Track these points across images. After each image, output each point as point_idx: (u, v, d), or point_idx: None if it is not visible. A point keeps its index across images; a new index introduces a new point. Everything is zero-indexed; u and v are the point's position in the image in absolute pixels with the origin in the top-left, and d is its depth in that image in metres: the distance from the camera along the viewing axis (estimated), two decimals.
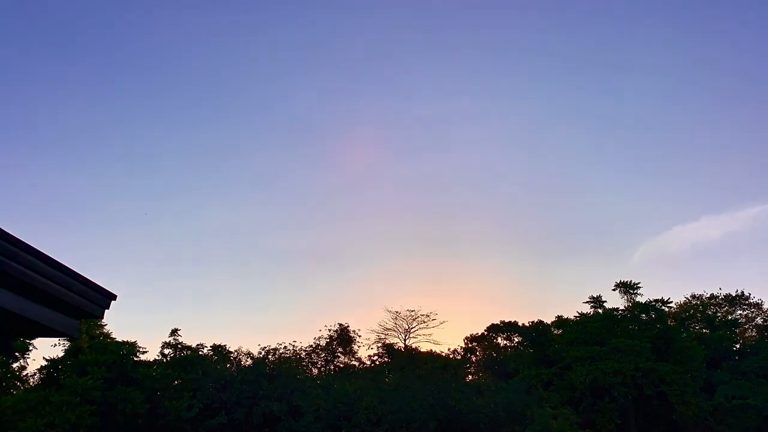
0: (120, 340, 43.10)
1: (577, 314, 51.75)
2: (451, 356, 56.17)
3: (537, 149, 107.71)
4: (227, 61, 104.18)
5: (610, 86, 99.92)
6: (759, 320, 46.75)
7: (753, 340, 45.65)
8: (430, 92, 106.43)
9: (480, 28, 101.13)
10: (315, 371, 52.76)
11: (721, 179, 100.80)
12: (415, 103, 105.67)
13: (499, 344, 69.36)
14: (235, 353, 47.22)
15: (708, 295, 47.75)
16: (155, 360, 44.60)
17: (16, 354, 38.77)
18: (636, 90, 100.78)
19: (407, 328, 63.41)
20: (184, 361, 42.00)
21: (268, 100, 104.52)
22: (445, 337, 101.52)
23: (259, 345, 58.00)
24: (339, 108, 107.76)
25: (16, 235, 4.28)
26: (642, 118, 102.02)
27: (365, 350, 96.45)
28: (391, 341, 62.11)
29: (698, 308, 47.75)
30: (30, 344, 40.19)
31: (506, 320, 73.00)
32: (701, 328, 47.04)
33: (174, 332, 49.95)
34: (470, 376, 52.86)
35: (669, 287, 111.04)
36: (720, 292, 47.54)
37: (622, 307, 50.46)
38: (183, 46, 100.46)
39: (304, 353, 54.13)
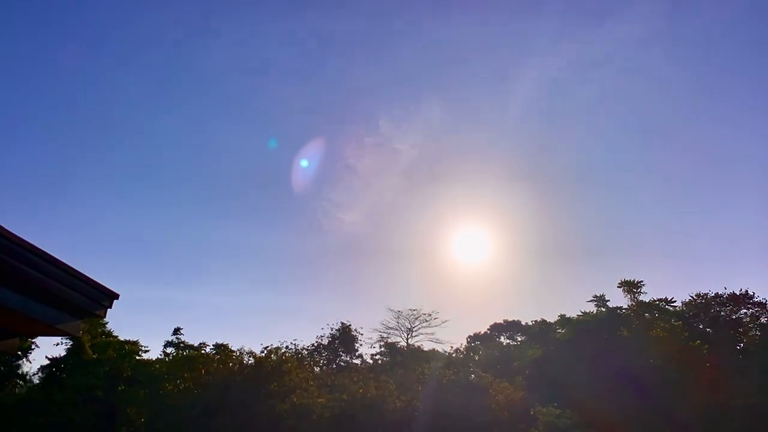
0: (122, 339, 43.15)
1: (581, 313, 51.62)
2: (453, 355, 56.14)
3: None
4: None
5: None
6: (763, 319, 46.55)
7: (757, 340, 45.48)
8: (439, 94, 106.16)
9: None
10: (317, 370, 52.78)
11: None
12: (421, 103, 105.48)
13: (501, 343, 69.46)
14: (238, 352, 47.30)
15: (712, 294, 47.62)
16: (158, 359, 44.65)
17: (19, 352, 38.82)
18: None
19: (409, 327, 63.46)
20: (186, 360, 42.00)
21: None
22: (448, 336, 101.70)
23: (261, 344, 58.05)
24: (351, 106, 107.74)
25: (17, 234, 4.20)
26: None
27: (367, 349, 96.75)
28: (394, 340, 62.21)
29: (702, 307, 47.59)
30: (32, 343, 40.24)
31: (509, 319, 73.21)
32: (705, 328, 46.93)
33: (176, 331, 50.06)
34: (473, 375, 52.83)
35: (672, 287, 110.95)
36: (725, 291, 47.41)
37: (625, 306, 50.36)
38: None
39: (306, 352, 54.13)
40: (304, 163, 78.01)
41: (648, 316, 47.29)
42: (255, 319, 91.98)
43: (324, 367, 55.19)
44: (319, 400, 36.55)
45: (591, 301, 53.54)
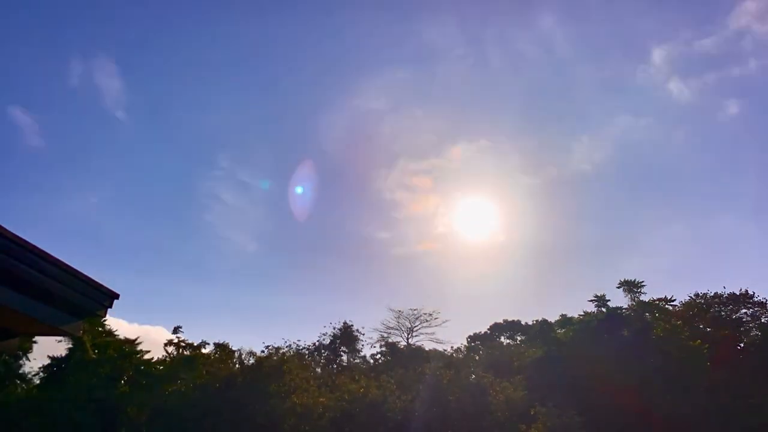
0: (123, 339, 43.12)
1: (581, 313, 51.61)
2: (453, 355, 56.13)
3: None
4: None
5: None
6: (763, 319, 46.49)
7: (757, 339, 45.41)
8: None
9: None
10: (318, 370, 52.76)
11: None
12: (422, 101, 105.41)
13: (501, 343, 69.39)
14: (238, 352, 47.22)
15: (712, 294, 47.60)
16: (158, 359, 44.61)
17: (19, 352, 38.85)
18: None
19: (410, 326, 63.47)
20: (187, 359, 41.97)
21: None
22: (448, 335, 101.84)
23: (262, 343, 58.21)
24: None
25: (18, 234, 4.22)
26: None
27: (368, 349, 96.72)
28: (394, 340, 62.25)
29: (702, 307, 47.53)
30: (32, 343, 40.21)
31: (509, 319, 73.19)
32: (705, 327, 46.86)
33: (177, 330, 49.97)
34: (473, 375, 52.81)
35: (673, 287, 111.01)
36: (724, 291, 47.40)
37: (625, 306, 50.30)
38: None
39: (307, 352, 54.17)
40: (298, 190, 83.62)
41: (648, 316, 47.24)
42: (256, 319, 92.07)
43: (325, 367, 55.22)
44: (320, 400, 36.55)
45: (591, 301, 53.47)
